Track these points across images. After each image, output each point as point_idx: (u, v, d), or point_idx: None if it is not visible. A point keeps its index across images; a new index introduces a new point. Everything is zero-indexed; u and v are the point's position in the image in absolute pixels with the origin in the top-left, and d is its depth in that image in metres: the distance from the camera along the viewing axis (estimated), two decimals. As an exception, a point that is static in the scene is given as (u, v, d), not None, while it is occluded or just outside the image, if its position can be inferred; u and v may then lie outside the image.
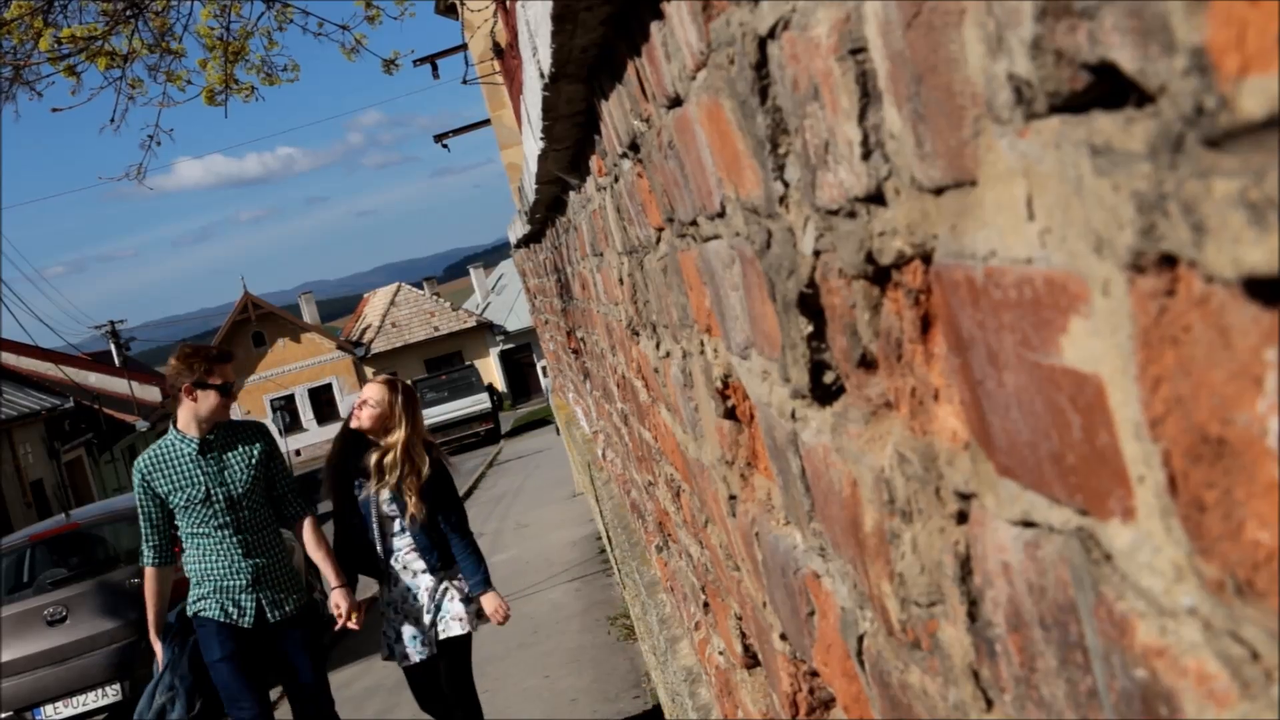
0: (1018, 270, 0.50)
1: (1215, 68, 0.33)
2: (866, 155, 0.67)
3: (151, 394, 29.93)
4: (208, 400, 4.71)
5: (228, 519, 4.71)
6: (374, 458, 4.75)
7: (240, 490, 4.74)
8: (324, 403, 44.79)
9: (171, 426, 4.79)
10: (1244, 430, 0.36)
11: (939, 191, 0.58)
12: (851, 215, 0.73)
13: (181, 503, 4.67)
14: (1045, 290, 0.47)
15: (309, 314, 48.53)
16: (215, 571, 4.73)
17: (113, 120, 6.34)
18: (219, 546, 4.73)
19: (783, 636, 1.32)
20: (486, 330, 45.53)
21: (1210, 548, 0.39)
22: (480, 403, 32.21)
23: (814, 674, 1.22)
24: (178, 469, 4.70)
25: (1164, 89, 0.36)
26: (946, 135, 0.55)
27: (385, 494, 4.79)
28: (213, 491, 4.70)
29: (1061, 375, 0.48)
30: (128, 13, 5.93)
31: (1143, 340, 0.41)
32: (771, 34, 0.80)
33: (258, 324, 44.24)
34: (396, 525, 4.84)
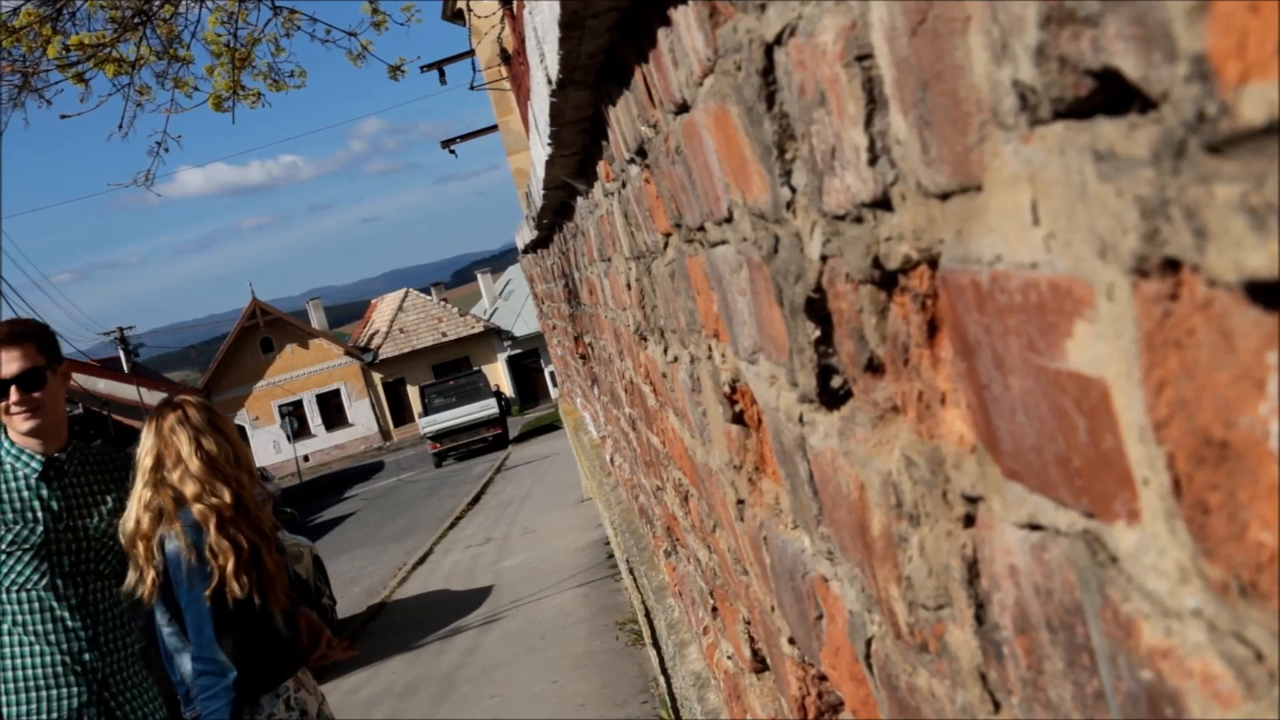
0: (1023, 275, 0.50)
1: (1216, 75, 0.34)
2: (873, 161, 0.67)
3: (160, 399, 30.07)
4: None
5: (69, 590, 3.05)
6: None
7: (94, 550, 3.11)
8: (332, 408, 44.89)
9: None
10: (1247, 433, 0.36)
11: (945, 197, 0.58)
12: (858, 220, 0.73)
13: (4, 545, 2.99)
14: (1050, 294, 0.48)
15: (317, 320, 48.65)
16: (34, 673, 3.00)
17: (120, 127, 6.37)
18: (45, 631, 3.02)
19: (791, 640, 1.32)
20: (494, 335, 45.59)
21: (1214, 550, 0.39)
22: (488, 408, 32.25)
23: (822, 678, 1.23)
24: (4, 493, 3.05)
25: (1166, 95, 0.37)
26: (952, 141, 0.55)
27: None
28: (54, 540, 3.06)
29: (1066, 379, 0.48)
30: (136, 20, 5.95)
31: (1147, 344, 0.41)
32: (778, 40, 0.81)
33: (266, 330, 44.37)
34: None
